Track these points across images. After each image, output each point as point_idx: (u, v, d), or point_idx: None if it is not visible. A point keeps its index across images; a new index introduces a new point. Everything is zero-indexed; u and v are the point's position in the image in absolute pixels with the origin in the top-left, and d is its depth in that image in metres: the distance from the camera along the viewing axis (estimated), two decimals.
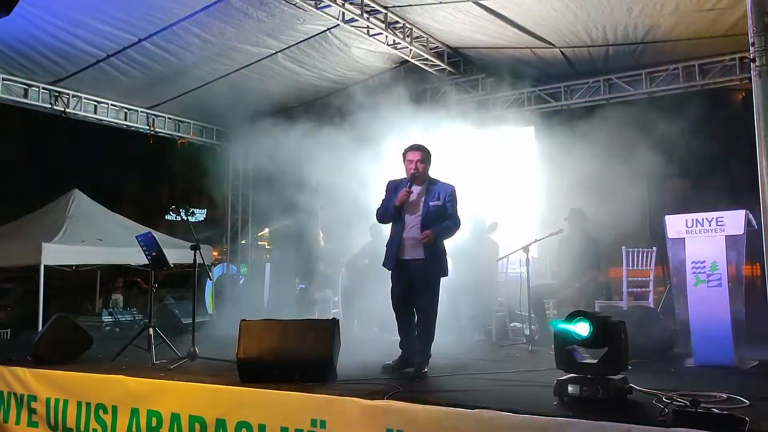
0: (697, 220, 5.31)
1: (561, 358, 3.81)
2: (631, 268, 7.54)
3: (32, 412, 5.11)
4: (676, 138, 8.47)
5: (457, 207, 5.34)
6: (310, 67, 9.29)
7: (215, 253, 13.34)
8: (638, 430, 3.07)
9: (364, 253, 8.14)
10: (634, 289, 6.82)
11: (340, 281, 8.65)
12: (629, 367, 4.14)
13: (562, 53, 8.60)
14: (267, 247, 15.59)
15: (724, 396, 3.70)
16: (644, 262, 7.83)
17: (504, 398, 3.80)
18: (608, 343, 3.67)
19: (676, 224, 5.46)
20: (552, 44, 8.34)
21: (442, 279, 5.24)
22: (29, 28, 7.37)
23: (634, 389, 3.69)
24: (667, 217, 5.58)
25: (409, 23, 8.43)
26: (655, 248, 7.18)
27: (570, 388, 3.62)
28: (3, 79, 8.50)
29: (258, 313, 9.87)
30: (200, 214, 19.13)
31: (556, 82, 9.35)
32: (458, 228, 5.27)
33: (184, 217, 6.36)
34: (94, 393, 4.91)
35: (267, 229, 16.24)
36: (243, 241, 12.46)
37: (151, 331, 5.78)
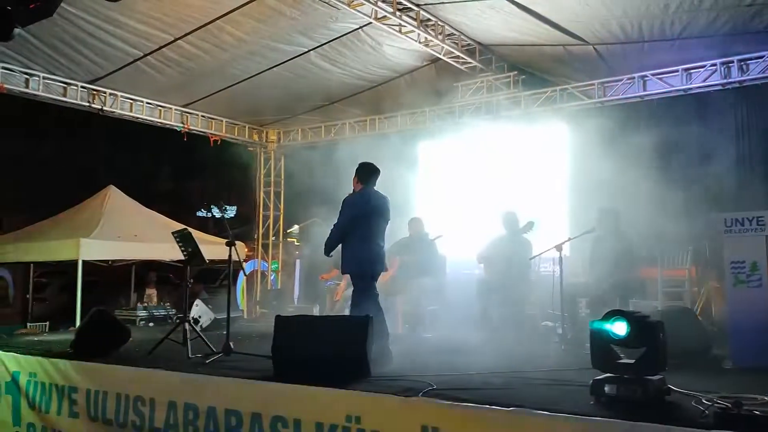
0: (736, 220, 5.21)
1: (598, 358, 3.77)
2: (666, 267, 7.46)
3: (73, 403, 5.24)
4: (713, 135, 8.33)
5: (341, 215, 5.63)
6: (342, 66, 9.32)
7: (246, 250, 13.47)
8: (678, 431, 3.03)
9: (396, 250, 8.13)
10: (669, 289, 6.73)
11: None
12: (666, 367, 4.11)
13: (596, 50, 8.50)
14: (296, 243, 15.71)
15: (766, 399, 3.63)
16: (679, 262, 7.74)
17: (539, 397, 3.78)
18: (646, 342, 3.63)
19: (715, 224, 5.38)
20: (585, 41, 8.25)
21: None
22: (70, 29, 7.54)
23: (673, 390, 3.65)
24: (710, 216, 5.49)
25: (441, 21, 8.41)
26: (690, 248, 7.10)
27: (607, 388, 3.60)
28: (44, 78, 8.71)
29: (288, 309, 10.05)
30: (231, 211, 19.36)
31: (589, 79, 9.24)
32: (330, 235, 5.65)
33: (220, 214, 6.44)
34: (133, 386, 5.00)
35: (296, 227, 16.36)
36: (273, 238, 12.57)
37: (186, 325, 5.85)
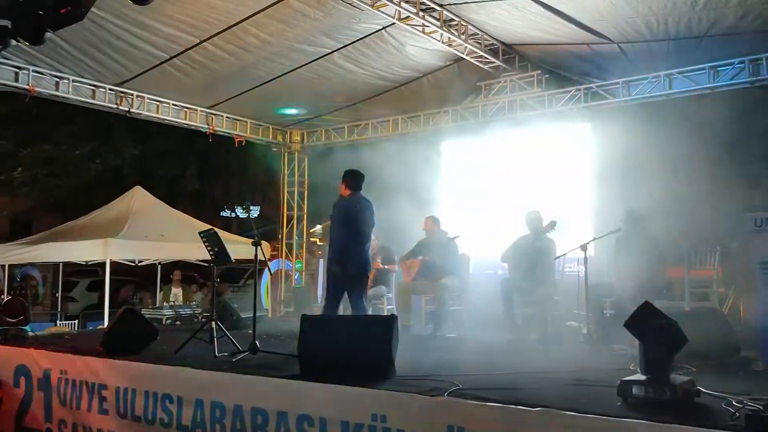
0: (766, 219, 5.14)
1: None
2: (693, 267, 7.37)
3: (103, 400, 5.31)
4: (741, 135, 8.22)
5: (367, 218, 6.20)
6: (365, 66, 9.35)
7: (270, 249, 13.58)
8: None
9: (419, 250, 8.15)
10: (696, 289, 6.65)
11: (394, 278, 8.69)
12: (693, 368, 4.07)
13: (620, 48, 8.43)
14: (318, 243, 15.79)
15: None
16: (707, 262, 7.64)
17: (566, 397, 3.76)
18: None
19: (745, 223, 5.30)
20: (610, 39, 8.18)
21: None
22: (98, 32, 7.67)
23: (702, 392, 3.61)
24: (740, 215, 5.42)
25: (464, 20, 8.40)
26: (718, 248, 7.00)
27: (635, 389, 3.57)
28: (73, 81, 8.86)
29: (312, 309, 10.10)
30: (254, 211, 19.51)
31: (613, 78, 9.16)
32: (367, 237, 6.20)
33: (246, 214, 6.51)
34: (161, 383, 5.06)
35: (319, 226, 16.45)
36: (297, 237, 12.65)
37: (213, 324, 5.92)
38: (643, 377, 3.62)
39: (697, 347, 3.73)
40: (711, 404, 3.52)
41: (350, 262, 6.04)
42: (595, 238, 6.94)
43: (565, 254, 7.20)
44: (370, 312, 7.92)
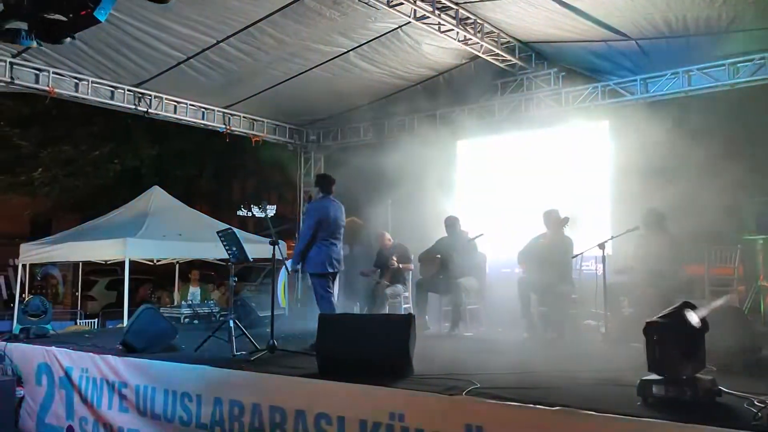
0: None
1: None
2: (713, 265, 7.30)
3: (123, 398, 5.38)
4: (762, 131, 8.10)
5: (308, 220, 6.36)
6: (380, 65, 9.36)
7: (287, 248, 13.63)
8: None
9: (437, 248, 8.13)
10: (717, 288, 6.58)
11: (411, 276, 8.69)
12: (714, 368, 4.02)
13: (638, 45, 8.35)
14: None
15: None
16: (727, 260, 7.56)
17: (585, 397, 3.74)
18: None
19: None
20: (628, 36, 8.11)
21: None
22: (117, 34, 7.74)
23: (724, 391, 3.57)
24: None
25: (480, 19, 8.38)
26: (739, 246, 6.92)
27: (655, 389, 3.54)
28: (92, 82, 8.96)
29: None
30: (271, 210, 19.61)
31: (631, 75, 9.09)
32: (301, 239, 6.34)
33: (262, 214, 6.55)
34: (180, 382, 5.11)
35: None
36: None
37: (231, 323, 5.95)
38: (662, 377, 3.59)
39: (717, 347, 3.68)
40: (733, 404, 3.48)
41: (307, 260, 6.35)
42: (612, 237, 6.89)
43: (582, 253, 7.16)
44: (357, 310, 8.38)
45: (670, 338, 3.52)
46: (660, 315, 3.70)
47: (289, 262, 12.38)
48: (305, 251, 6.30)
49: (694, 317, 3.60)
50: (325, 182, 6.58)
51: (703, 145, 7.62)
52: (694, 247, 7.34)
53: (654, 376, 3.62)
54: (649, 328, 3.60)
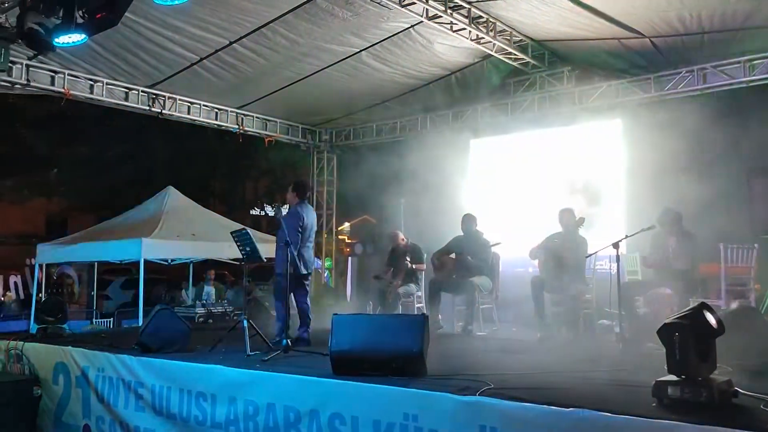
0: None
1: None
2: (729, 264, 7.23)
3: (139, 397, 5.41)
4: None
5: (291, 223, 6.43)
6: (393, 65, 9.36)
7: None
8: None
9: (451, 247, 8.10)
10: (733, 287, 6.53)
11: (424, 276, 8.68)
12: (730, 368, 3.99)
13: (652, 43, 8.30)
14: (347, 241, 15.87)
15: None
16: (744, 259, 7.49)
17: (599, 398, 3.72)
18: None
19: None
20: (642, 34, 8.07)
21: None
22: (131, 35, 7.81)
23: (740, 393, 3.54)
24: None
25: (493, 17, 8.36)
26: (756, 245, 6.86)
27: (670, 390, 3.51)
28: (107, 84, 9.04)
29: (342, 307, 10.14)
30: (284, 210, 19.67)
31: (645, 73, 9.03)
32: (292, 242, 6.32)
33: (275, 213, 6.57)
34: (194, 382, 5.13)
35: (347, 224, 16.53)
36: (323, 235, 12.71)
37: (245, 323, 5.98)
38: (678, 378, 3.57)
39: (733, 347, 3.65)
40: (749, 405, 3.45)
41: (277, 260, 6.57)
42: (627, 236, 6.83)
43: (596, 252, 7.12)
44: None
45: (689, 339, 3.50)
46: (677, 315, 3.67)
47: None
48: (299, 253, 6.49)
49: (711, 318, 3.57)
50: (302, 188, 6.87)
51: (718, 142, 7.58)
52: (709, 245, 7.27)
53: (669, 378, 3.60)
54: (667, 329, 3.57)
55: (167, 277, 15.66)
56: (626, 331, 6.45)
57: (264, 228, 15.86)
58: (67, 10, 5.03)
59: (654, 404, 3.51)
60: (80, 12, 4.98)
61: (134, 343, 5.92)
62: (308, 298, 6.75)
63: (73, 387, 6.00)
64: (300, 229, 6.52)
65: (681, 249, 6.69)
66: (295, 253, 6.32)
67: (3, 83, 7.96)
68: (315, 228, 6.88)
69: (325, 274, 12.76)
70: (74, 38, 5.46)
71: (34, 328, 7.55)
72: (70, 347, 6.20)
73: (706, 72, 8.54)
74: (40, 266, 12.23)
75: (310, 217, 6.76)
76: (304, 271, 6.61)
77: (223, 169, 20.47)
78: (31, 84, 8.37)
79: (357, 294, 12.07)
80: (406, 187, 9.65)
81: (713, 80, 8.52)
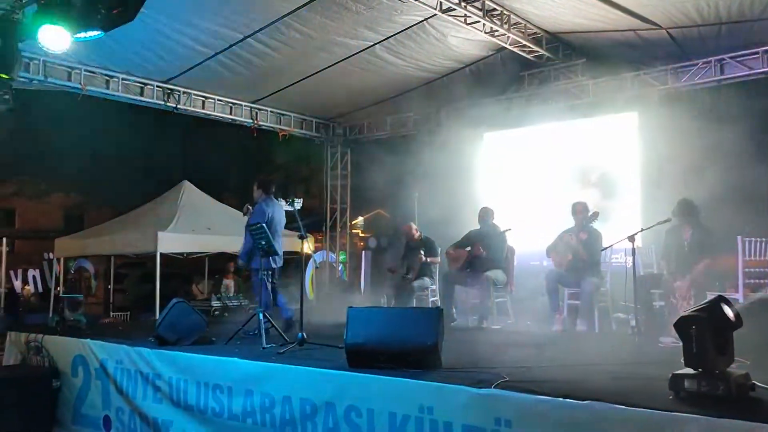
0: None
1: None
2: (748, 258, 7.17)
3: (157, 389, 5.48)
4: None
5: (255, 220, 6.66)
6: (406, 58, 9.35)
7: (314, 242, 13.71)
8: (764, 429, 2.93)
9: (468, 241, 8.08)
10: (752, 280, 6.47)
11: (438, 269, 8.68)
12: (747, 362, 3.96)
13: (669, 34, 8.22)
14: (361, 234, 15.89)
15: None
16: (762, 252, 7.41)
17: (615, 391, 3.70)
18: None
19: None
20: (658, 25, 7.99)
21: None
22: (146, 31, 7.83)
23: (758, 386, 3.52)
24: None
25: (507, 10, 8.32)
26: None
27: (687, 383, 3.49)
28: (122, 79, 9.11)
29: (356, 300, 10.18)
30: (298, 203, 19.74)
31: (661, 65, 8.95)
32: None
33: (290, 207, 6.62)
34: (211, 374, 5.18)
35: (361, 218, 16.55)
36: (336, 229, 12.74)
37: (260, 316, 6.02)
38: (695, 371, 3.55)
39: (752, 340, 3.62)
40: (767, 399, 3.43)
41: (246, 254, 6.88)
42: (642, 229, 6.79)
43: (612, 245, 7.08)
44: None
45: (707, 332, 3.48)
46: (695, 308, 3.65)
47: (317, 256, 12.53)
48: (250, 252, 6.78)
49: (729, 311, 3.55)
50: (266, 185, 7.14)
51: (736, 134, 7.49)
52: (727, 238, 7.21)
53: (686, 371, 3.58)
54: (685, 322, 3.55)
55: (183, 270, 15.77)
56: (642, 325, 6.44)
57: None
58: (84, 5, 5.07)
59: (671, 397, 3.50)
60: (98, 7, 5.02)
61: (151, 336, 5.98)
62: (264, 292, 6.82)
63: (92, 379, 6.08)
64: (257, 221, 6.71)
65: (696, 241, 6.65)
66: (248, 249, 6.69)
67: (21, 79, 8.03)
68: (283, 221, 7.16)
69: (340, 268, 12.79)
70: (91, 34, 5.51)
71: (52, 320, 7.63)
72: (88, 340, 6.28)
73: (723, 63, 8.45)
74: (59, 260, 12.37)
75: (277, 211, 7.01)
76: (274, 266, 6.86)
77: (238, 164, 20.52)
78: (49, 80, 8.44)
79: (371, 287, 12.09)
80: (419, 181, 9.65)
81: (731, 71, 8.43)
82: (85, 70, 8.73)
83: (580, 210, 7.40)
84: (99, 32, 5.49)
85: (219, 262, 13.16)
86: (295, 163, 19.49)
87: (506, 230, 7.88)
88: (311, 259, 8.64)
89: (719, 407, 3.22)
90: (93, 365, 6.07)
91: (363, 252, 13.30)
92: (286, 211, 7.29)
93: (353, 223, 14.03)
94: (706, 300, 3.82)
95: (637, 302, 6.50)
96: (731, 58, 8.36)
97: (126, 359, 5.80)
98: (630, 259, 6.51)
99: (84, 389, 6.14)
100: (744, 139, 7.70)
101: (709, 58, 8.49)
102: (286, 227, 12.31)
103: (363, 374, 4.37)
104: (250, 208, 7.08)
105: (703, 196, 6.92)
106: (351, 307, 4.86)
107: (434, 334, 4.60)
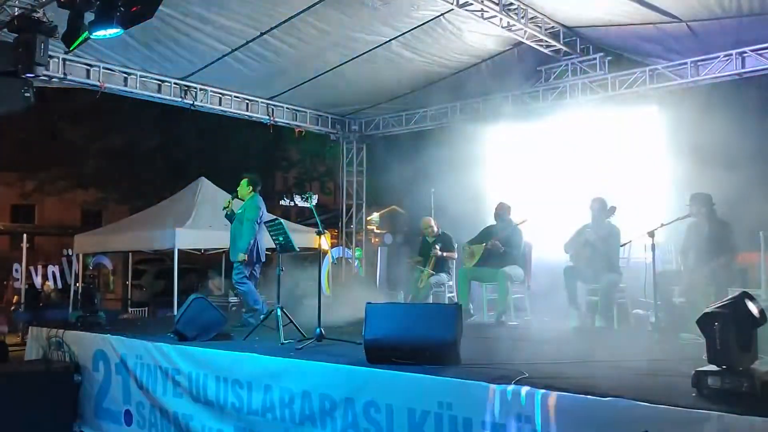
0: None
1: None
2: None
3: (177, 384, 5.52)
4: None
5: (252, 214, 7.14)
6: (423, 54, 9.31)
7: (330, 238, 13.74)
8: None
9: (483, 236, 8.06)
10: None
11: (454, 265, 8.66)
12: None
13: (689, 27, 8.11)
14: (375, 231, 15.90)
15: None
16: None
17: (637, 387, 3.68)
18: None
19: None
20: (678, 18, 7.89)
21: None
22: (163, 28, 7.88)
23: None
24: None
25: (524, 4, 8.25)
26: None
27: (710, 380, 3.46)
28: (140, 76, 9.16)
29: (372, 296, 10.17)
30: (313, 199, 19.80)
31: (681, 58, 8.84)
32: (248, 232, 7.11)
33: (305, 203, 6.66)
34: (231, 369, 5.21)
35: (375, 214, 16.57)
36: (352, 225, 12.74)
37: (278, 312, 6.05)
38: (718, 368, 3.51)
39: None
40: None
41: (236, 248, 7.20)
42: (663, 224, 6.72)
43: (631, 241, 7.03)
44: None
45: (731, 329, 3.44)
46: (718, 305, 3.61)
47: (333, 251, 12.52)
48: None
49: (753, 308, 3.51)
50: (256, 182, 7.44)
51: (757, 128, 7.41)
52: (748, 234, 7.12)
53: (709, 367, 3.55)
54: (708, 318, 3.52)
55: (198, 266, 15.89)
56: (662, 321, 6.38)
57: (293, 218, 15.99)
58: (105, 3, 5.11)
59: (693, 394, 3.47)
60: (117, 5, 5.05)
61: (170, 331, 6.02)
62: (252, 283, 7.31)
63: (113, 374, 6.13)
64: (259, 220, 7.11)
65: (713, 236, 6.57)
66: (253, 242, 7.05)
67: (42, 77, 8.10)
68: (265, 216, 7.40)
69: (356, 264, 12.80)
70: (110, 32, 5.55)
71: (72, 316, 7.72)
72: (108, 335, 6.33)
73: (745, 56, 8.33)
74: (77, 256, 12.51)
75: (264, 207, 7.39)
76: (263, 259, 7.34)
77: (254, 160, 20.64)
78: (68, 78, 8.51)
79: (387, 283, 12.10)
80: (436, 177, 9.62)
81: (752, 64, 8.29)
82: (103, 68, 8.79)
83: (597, 205, 7.34)
84: (118, 30, 5.53)
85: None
86: (311, 160, 19.59)
87: (522, 221, 7.85)
88: (327, 255, 8.66)
89: (743, 404, 3.19)
90: (113, 360, 6.13)
91: (379, 248, 13.30)
92: (302, 207, 7.43)
93: (368, 219, 14.03)
94: (729, 296, 3.77)
95: (656, 298, 6.44)
96: (753, 50, 8.24)
97: (146, 354, 5.85)
98: (649, 254, 6.46)
99: (105, 384, 6.20)
100: (766, 133, 7.61)
101: (730, 51, 8.37)
102: (302, 223, 12.37)
103: (382, 370, 4.38)
104: (233, 201, 7.40)
105: (725, 191, 6.84)
106: (370, 303, 4.86)
107: (453, 330, 4.60)
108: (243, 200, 7.32)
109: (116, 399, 6.05)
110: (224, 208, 7.47)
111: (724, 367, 3.46)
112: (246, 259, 7.07)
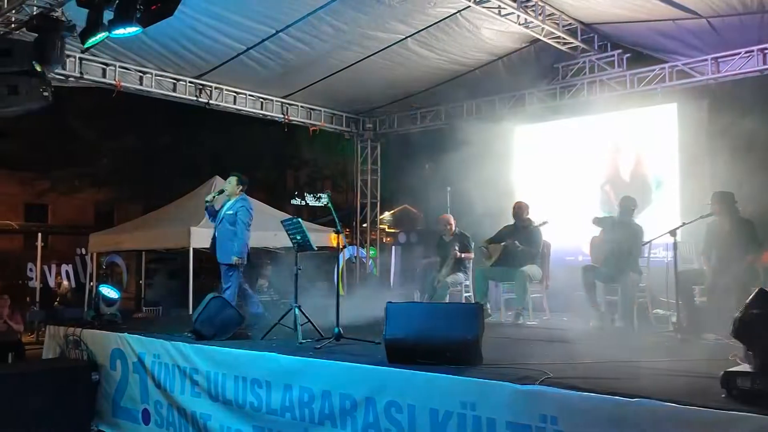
0: None
1: None
2: None
3: (195, 383, 5.50)
4: None
5: (245, 216, 7.11)
6: (439, 51, 9.25)
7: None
8: None
9: (501, 236, 7.98)
10: None
11: (471, 264, 8.59)
12: None
13: (709, 23, 8.01)
14: (387, 230, 15.87)
15: None
16: None
17: (664, 388, 3.61)
18: None
19: None
20: (698, 14, 7.79)
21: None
22: (179, 26, 7.86)
23: None
24: None
25: (542, 1, 8.18)
26: None
27: (739, 381, 3.39)
28: (156, 75, 9.17)
29: (386, 296, 10.12)
30: (324, 198, 19.77)
31: (701, 55, 8.73)
32: (245, 234, 7.15)
33: (316, 202, 6.64)
34: (249, 368, 5.18)
35: (386, 213, 16.53)
36: (365, 225, 12.70)
37: (296, 311, 6.01)
38: (749, 368, 3.45)
39: None
40: None
41: (226, 250, 7.15)
42: (684, 223, 6.64)
43: (652, 240, 6.94)
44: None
45: (765, 329, 3.38)
46: (749, 305, 3.54)
47: (347, 251, 12.49)
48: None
49: None
50: (245, 180, 7.39)
51: None
52: None
53: (739, 368, 3.49)
54: (745, 325, 3.46)
55: (212, 266, 15.87)
56: (684, 321, 6.29)
57: (305, 217, 15.95)
58: (124, 1, 5.10)
59: (723, 395, 3.40)
60: (136, 4, 5.04)
61: (188, 331, 6.00)
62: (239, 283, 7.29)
63: (130, 372, 6.13)
64: (251, 220, 7.16)
65: (735, 235, 6.47)
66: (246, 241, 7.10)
67: (58, 76, 8.13)
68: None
69: (369, 263, 12.77)
70: (129, 30, 5.54)
71: (89, 314, 7.73)
72: (126, 334, 6.33)
73: (766, 53, 8.21)
74: (91, 255, 12.54)
75: (253, 209, 7.39)
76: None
77: (268, 159, 20.64)
78: (84, 77, 8.53)
79: (401, 283, 12.06)
80: (452, 175, 9.56)
81: None
82: (119, 67, 8.80)
83: (626, 204, 7.25)
84: (137, 28, 5.52)
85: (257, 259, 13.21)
86: (324, 158, 19.55)
87: (542, 223, 7.78)
88: (341, 254, 8.63)
89: None
90: (131, 359, 6.13)
91: (393, 247, 13.27)
92: (316, 207, 7.43)
93: (380, 218, 14.01)
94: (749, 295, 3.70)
95: (678, 298, 6.36)
96: None
97: (163, 353, 5.84)
98: (670, 254, 6.38)
99: (122, 383, 6.20)
100: None
101: (752, 48, 8.26)
102: (317, 222, 12.34)
103: (403, 370, 4.33)
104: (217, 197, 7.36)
105: (747, 190, 6.75)
106: (390, 302, 4.82)
107: (475, 330, 4.55)
108: (229, 198, 7.26)
109: (134, 398, 6.05)
110: (208, 201, 7.41)
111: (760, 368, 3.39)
112: (239, 261, 7.08)
